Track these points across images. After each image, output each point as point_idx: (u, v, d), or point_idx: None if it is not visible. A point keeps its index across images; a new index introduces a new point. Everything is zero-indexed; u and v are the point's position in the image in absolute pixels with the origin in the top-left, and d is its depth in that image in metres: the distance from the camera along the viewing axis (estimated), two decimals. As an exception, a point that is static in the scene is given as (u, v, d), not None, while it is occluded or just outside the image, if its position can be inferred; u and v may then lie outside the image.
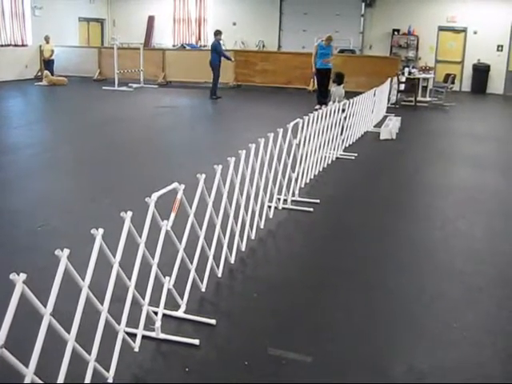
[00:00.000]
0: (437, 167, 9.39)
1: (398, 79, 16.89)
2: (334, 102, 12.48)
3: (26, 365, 2.46)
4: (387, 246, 5.73)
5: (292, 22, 23.57)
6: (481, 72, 21.47)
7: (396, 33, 22.58)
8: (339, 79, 14.01)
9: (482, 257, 5.50)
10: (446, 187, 8.10)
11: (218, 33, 17.44)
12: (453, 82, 17.73)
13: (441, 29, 22.04)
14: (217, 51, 17.18)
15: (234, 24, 24.00)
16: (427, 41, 22.19)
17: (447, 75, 17.79)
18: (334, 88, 14.01)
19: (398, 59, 20.40)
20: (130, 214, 3.22)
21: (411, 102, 16.94)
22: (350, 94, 11.22)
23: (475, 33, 21.56)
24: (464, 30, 21.80)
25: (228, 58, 17.50)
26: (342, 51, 22.06)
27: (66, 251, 2.66)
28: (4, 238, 5.56)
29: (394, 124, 12.05)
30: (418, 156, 10.21)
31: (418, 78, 17.75)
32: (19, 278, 2.35)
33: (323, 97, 15.07)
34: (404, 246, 5.75)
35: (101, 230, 2.97)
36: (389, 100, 16.16)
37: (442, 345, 3.84)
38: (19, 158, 9.02)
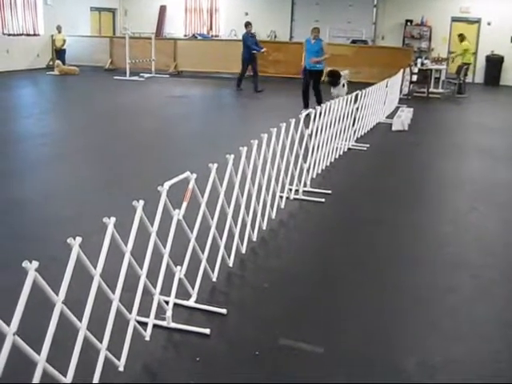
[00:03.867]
0: (449, 159, 9.33)
1: (411, 70, 16.78)
2: None
3: (38, 352, 2.47)
4: (399, 238, 5.70)
5: (304, 12, 23.47)
6: (494, 63, 21.30)
7: (409, 23, 22.44)
8: (334, 80, 12.86)
9: (494, 250, 5.47)
10: (458, 179, 8.05)
11: (246, 24, 16.90)
12: (466, 74, 17.61)
13: (454, 20, 21.86)
14: (246, 44, 16.69)
15: (246, 14, 23.89)
16: (440, 32, 22.03)
17: (460, 66, 17.66)
18: (333, 90, 12.91)
19: (410, 50, 20.27)
20: (141, 202, 3.21)
21: (423, 93, 16.84)
22: (362, 85, 11.14)
23: (489, 24, 21.38)
24: (478, 21, 21.63)
25: (257, 50, 16.73)
26: (354, 42, 22.00)
27: (79, 239, 2.66)
28: (15, 227, 5.57)
29: (406, 115, 12.00)
30: (431, 147, 10.15)
31: (431, 70, 17.63)
32: (31, 266, 2.35)
33: (318, 99, 12.95)
34: (416, 239, 5.72)
35: (112, 219, 2.96)
36: (401, 91, 16.07)
37: (454, 338, 3.81)
38: (30, 147, 9.05)
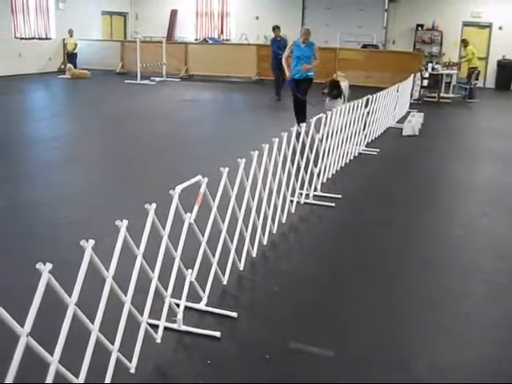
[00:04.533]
0: (460, 164, 9.31)
1: (422, 75, 16.75)
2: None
3: (50, 354, 2.49)
4: (410, 242, 5.69)
5: (315, 16, 23.44)
6: (506, 68, 21.19)
7: (420, 28, 22.38)
8: (337, 91, 10.76)
9: (505, 254, 5.46)
10: (469, 184, 8.03)
11: (273, 28, 15.80)
12: (477, 79, 17.56)
13: (465, 24, 21.77)
14: (272, 49, 15.76)
15: (257, 18, 23.95)
16: (451, 36, 21.95)
17: (471, 71, 17.61)
18: (329, 103, 10.71)
19: (421, 55, 20.25)
20: (154, 205, 3.24)
21: (434, 97, 16.81)
22: (372, 90, 11.13)
23: (500, 28, 21.28)
24: (489, 26, 21.54)
25: (278, 57, 14.28)
26: (365, 46, 21.98)
27: (91, 242, 2.69)
28: (28, 230, 5.61)
29: (416, 120, 11.97)
30: (441, 152, 10.12)
31: (442, 74, 17.59)
32: (45, 268, 2.38)
33: (300, 116, 10.80)
34: (427, 243, 5.71)
35: (125, 222, 2.98)
36: (411, 96, 16.04)
37: (464, 342, 3.82)
38: (42, 150, 9.10)
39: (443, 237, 5.93)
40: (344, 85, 11.11)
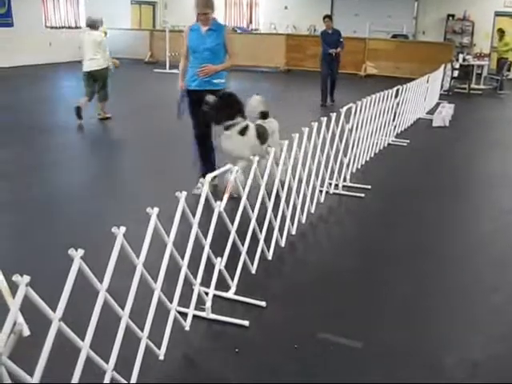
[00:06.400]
0: (491, 156, 9.18)
1: (452, 66, 16.52)
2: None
3: (82, 339, 2.50)
4: (440, 235, 5.62)
5: (344, 6, 23.31)
6: (539, 60, 20.83)
7: (450, 18, 22.11)
8: (225, 114, 5.97)
9: (538, 248, 5.37)
10: (500, 177, 7.90)
11: (323, 18, 13.84)
12: (508, 70, 17.28)
13: (497, 14, 21.42)
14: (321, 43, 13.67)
15: (286, 8, 23.88)
16: (483, 27, 21.63)
17: (502, 63, 17.30)
18: (226, 140, 5.94)
19: (452, 45, 19.98)
20: (184, 193, 3.23)
21: (465, 89, 16.58)
22: (402, 81, 11.00)
23: (534, 18, 20.93)
24: (523, 16, 21.19)
25: (328, 52, 13.36)
26: (394, 36, 21.76)
27: (123, 228, 2.69)
28: (57, 216, 5.65)
29: (447, 111, 11.82)
30: (472, 144, 9.99)
31: (473, 65, 17.33)
32: (77, 254, 2.38)
33: (204, 155, 6.44)
34: (457, 237, 5.63)
35: (156, 209, 2.98)
36: (442, 87, 15.84)
37: (495, 336, 3.76)
38: (72, 139, 9.17)
39: (473, 230, 5.86)
40: (271, 128, 6.69)
